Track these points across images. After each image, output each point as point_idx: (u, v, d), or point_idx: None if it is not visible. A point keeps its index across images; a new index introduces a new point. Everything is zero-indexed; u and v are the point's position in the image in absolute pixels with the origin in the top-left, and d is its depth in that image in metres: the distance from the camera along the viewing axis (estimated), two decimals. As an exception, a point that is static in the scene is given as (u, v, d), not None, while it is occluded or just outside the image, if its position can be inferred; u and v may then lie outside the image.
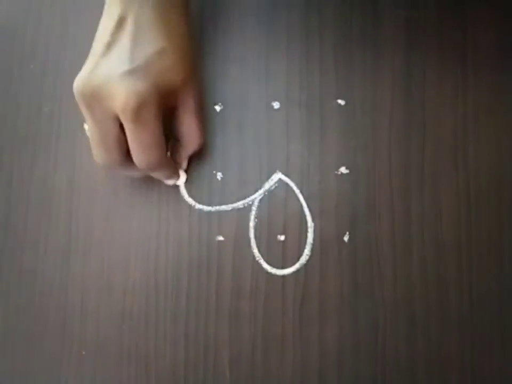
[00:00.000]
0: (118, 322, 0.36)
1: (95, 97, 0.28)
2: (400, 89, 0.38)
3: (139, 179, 0.37)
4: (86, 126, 0.34)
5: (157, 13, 0.31)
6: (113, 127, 0.29)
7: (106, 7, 0.32)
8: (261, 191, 0.37)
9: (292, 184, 0.37)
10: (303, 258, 0.36)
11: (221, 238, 0.36)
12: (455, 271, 0.36)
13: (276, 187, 0.37)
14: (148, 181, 0.37)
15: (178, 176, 0.36)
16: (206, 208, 0.37)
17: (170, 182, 0.36)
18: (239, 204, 0.37)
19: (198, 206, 0.37)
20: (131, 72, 0.29)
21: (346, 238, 0.36)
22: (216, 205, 0.37)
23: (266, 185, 0.37)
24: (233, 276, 0.36)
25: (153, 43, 0.30)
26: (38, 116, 0.38)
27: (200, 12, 0.39)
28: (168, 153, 0.36)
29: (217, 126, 0.38)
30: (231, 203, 0.37)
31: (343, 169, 0.37)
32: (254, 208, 0.37)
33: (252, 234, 0.36)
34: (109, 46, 0.29)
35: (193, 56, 0.33)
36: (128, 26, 0.30)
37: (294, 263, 0.36)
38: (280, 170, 0.37)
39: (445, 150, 0.37)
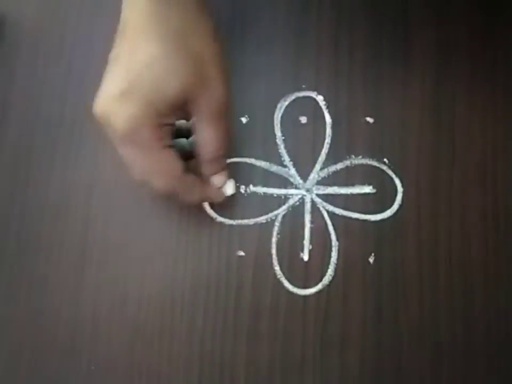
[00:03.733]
0: (130, 338, 0.34)
1: (103, 122, 0.27)
2: (430, 109, 0.37)
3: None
4: None
5: (152, 8, 0.26)
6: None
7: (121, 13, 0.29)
8: (284, 207, 0.36)
9: (317, 200, 0.36)
10: (326, 279, 0.35)
11: (241, 254, 0.35)
12: (482, 297, 0.35)
13: (300, 203, 0.36)
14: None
15: (215, 193, 0.33)
16: (228, 221, 0.36)
17: (216, 199, 0.33)
18: (262, 219, 0.36)
19: (220, 219, 0.36)
20: (123, 94, 0.26)
21: (371, 260, 0.35)
22: (238, 219, 0.36)
23: (291, 201, 0.36)
24: (252, 294, 0.34)
25: (145, 50, 0.26)
26: (60, 119, 0.37)
27: (229, 24, 0.38)
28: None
29: (243, 138, 0.37)
30: (254, 217, 0.36)
31: (369, 189, 0.36)
32: (277, 223, 0.36)
33: (274, 251, 0.35)
34: (115, 59, 0.27)
35: (206, 54, 0.28)
36: (127, 33, 0.27)
37: (316, 283, 0.35)
38: (305, 187, 0.36)
39: (473, 172, 0.36)
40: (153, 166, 0.28)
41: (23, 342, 0.34)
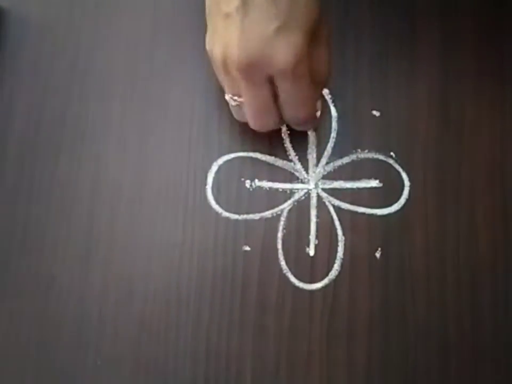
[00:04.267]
0: (136, 333, 0.34)
1: (254, 63, 0.27)
2: (437, 103, 0.37)
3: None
4: (228, 97, 0.31)
5: None
6: (271, 89, 0.29)
7: None
8: (290, 201, 0.36)
9: (323, 195, 0.36)
10: (333, 273, 0.34)
11: (247, 248, 0.35)
12: (490, 294, 0.34)
13: (305, 197, 0.36)
14: (174, 186, 0.36)
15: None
16: (233, 216, 0.35)
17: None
18: (267, 214, 0.35)
19: (225, 213, 0.35)
20: (283, 27, 0.26)
21: (378, 254, 0.35)
22: (243, 214, 0.35)
23: (296, 196, 0.36)
24: (258, 289, 0.34)
25: None
26: (64, 116, 0.37)
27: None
28: None
29: (248, 133, 0.36)
30: (259, 212, 0.35)
31: (376, 183, 0.36)
32: (283, 218, 0.35)
33: (279, 246, 0.35)
34: (244, 5, 0.26)
35: None
36: None
37: (322, 278, 0.34)
38: (311, 181, 0.36)
39: (482, 168, 0.36)
40: (310, 95, 0.30)
41: (30, 337, 0.34)
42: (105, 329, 0.34)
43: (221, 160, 0.36)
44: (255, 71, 0.27)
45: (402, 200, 0.35)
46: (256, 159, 0.36)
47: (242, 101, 0.30)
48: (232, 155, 0.36)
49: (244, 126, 0.34)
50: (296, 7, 0.27)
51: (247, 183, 0.36)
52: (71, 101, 0.37)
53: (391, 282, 0.34)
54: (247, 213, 0.35)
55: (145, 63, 0.38)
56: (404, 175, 0.36)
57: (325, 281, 0.34)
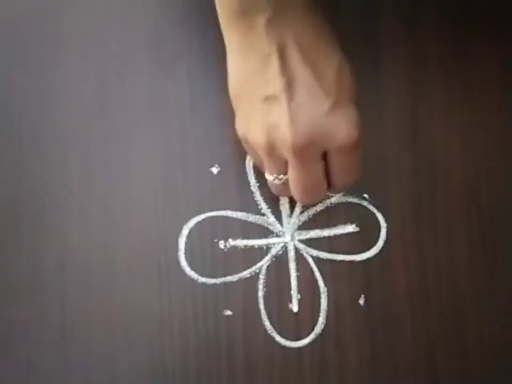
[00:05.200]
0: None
1: (311, 143, 0.26)
2: (407, 138, 0.36)
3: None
4: (271, 177, 0.30)
5: (309, 19, 0.27)
6: (322, 166, 0.29)
7: (235, 51, 0.28)
8: (267, 257, 0.34)
9: (300, 246, 0.35)
10: (318, 327, 0.34)
11: (229, 313, 0.34)
12: (475, 325, 0.34)
13: (283, 251, 0.35)
14: (145, 257, 0.34)
15: None
16: (210, 280, 0.34)
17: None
18: (246, 273, 0.34)
19: (201, 279, 0.34)
20: (336, 104, 0.26)
21: (362, 301, 0.34)
22: (221, 277, 0.34)
23: (273, 250, 0.35)
24: (245, 353, 0.33)
25: (329, 59, 0.27)
26: (19, 194, 0.35)
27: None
28: None
29: (216, 190, 0.35)
30: (237, 273, 0.34)
31: (352, 227, 0.35)
32: (262, 276, 0.34)
33: (261, 306, 0.34)
34: (289, 87, 0.26)
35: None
36: (293, 54, 0.26)
37: (309, 333, 0.34)
38: (286, 233, 0.35)
39: (457, 198, 0.35)
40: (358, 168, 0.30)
41: None
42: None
43: (191, 223, 0.34)
44: (312, 150, 0.27)
45: (380, 243, 0.35)
46: (227, 217, 0.35)
47: (287, 178, 0.30)
48: (203, 216, 0.35)
49: (212, 184, 0.33)
50: (342, 81, 0.27)
51: (221, 244, 0.34)
52: (24, 176, 0.35)
53: (377, 327, 0.34)
54: (224, 275, 0.34)
55: (98, 128, 0.36)
56: (380, 216, 0.35)
57: (311, 336, 0.34)
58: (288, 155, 0.27)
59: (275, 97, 0.26)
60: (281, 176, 0.30)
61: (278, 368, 0.33)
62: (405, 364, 0.34)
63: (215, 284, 0.34)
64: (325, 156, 0.28)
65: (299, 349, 0.34)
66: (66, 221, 0.34)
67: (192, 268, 0.34)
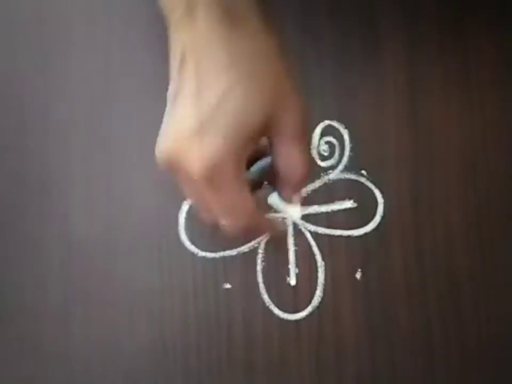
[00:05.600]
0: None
1: (173, 166, 0.24)
2: (405, 115, 0.36)
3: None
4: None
5: (216, 33, 0.23)
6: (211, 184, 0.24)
7: (171, 43, 0.25)
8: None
9: (298, 221, 0.35)
10: (315, 300, 0.34)
11: (228, 286, 0.34)
12: (471, 301, 0.35)
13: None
14: (147, 232, 0.35)
15: (278, 224, 0.31)
16: (210, 254, 0.35)
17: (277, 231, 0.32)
18: (245, 248, 0.35)
19: (201, 253, 0.35)
20: (198, 131, 0.23)
21: (358, 275, 0.35)
22: (220, 251, 0.35)
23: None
24: (244, 325, 0.34)
25: (217, 82, 0.23)
26: (25, 175, 0.35)
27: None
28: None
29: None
30: (236, 247, 0.35)
31: (350, 203, 0.35)
32: (260, 250, 0.35)
33: (260, 279, 0.35)
34: (175, 98, 0.24)
35: (279, 72, 0.25)
36: (189, 66, 0.24)
37: (306, 306, 0.34)
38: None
39: (454, 177, 0.36)
40: (233, 206, 0.25)
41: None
42: (94, 388, 0.33)
43: (190, 198, 0.35)
44: (176, 172, 0.24)
45: (377, 218, 0.35)
46: (227, 192, 0.35)
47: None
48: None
49: None
50: (218, 107, 0.23)
51: (220, 219, 0.35)
52: (28, 158, 0.35)
53: (374, 301, 0.35)
54: (224, 250, 0.35)
55: (101, 105, 0.36)
56: (377, 192, 0.35)
57: (309, 309, 0.34)
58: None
59: (168, 98, 0.25)
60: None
61: (276, 341, 0.34)
62: (401, 336, 0.34)
63: (214, 258, 0.35)
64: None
65: (297, 321, 0.34)
66: (70, 198, 0.35)
67: (192, 243, 0.35)
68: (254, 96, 0.24)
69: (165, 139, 0.24)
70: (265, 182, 0.29)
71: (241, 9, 0.24)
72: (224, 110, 0.23)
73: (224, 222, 0.26)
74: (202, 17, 0.23)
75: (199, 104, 0.23)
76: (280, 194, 0.28)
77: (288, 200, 0.28)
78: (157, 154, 0.24)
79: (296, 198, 0.29)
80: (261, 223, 0.28)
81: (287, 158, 0.26)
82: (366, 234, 0.35)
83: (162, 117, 0.34)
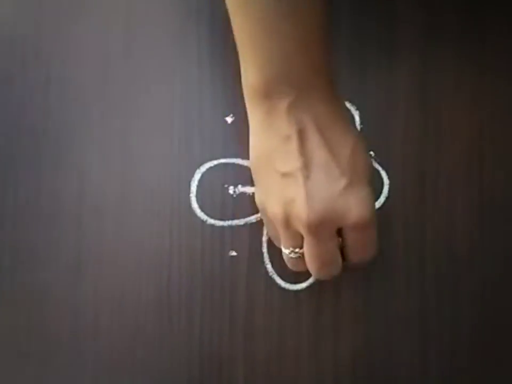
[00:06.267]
0: (131, 342, 0.35)
1: (325, 221, 0.28)
2: (415, 98, 0.37)
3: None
4: (287, 251, 0.31)
5: (327, 103, 0.28)
6: (336, 242, 0.29)
7: (257, 128, 0.29)
8: (273, 205, 0.36)
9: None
10: (317, 273, 0.36)
11: (233, 253, 0.36)
12: (469, 287, 0.36)
13: (288, 200, 0.36)
14: (159, 196, 0.36)
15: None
16: (218, 222, 0.36)
17: None
18: (252, 218, 0.36)
19: (210, 220, 0.36)
20: (351, 184, 0.28)
21: (360, 253, 0.36)
22: (228, 220, 0.36)
23: (279, 199, 0.36)
24: (246, 292, 0.36)
25: (345, 140, 0.28)
26: (44, 128, 0.37)
27: (211, 21, 0.37)
28: None
29: (229, 138, 0.37)
30: (244, 217, 0.36)
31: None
32: (267, 222, 0.36)
33: (265, 249, 0.36)
34: (306, 166, 0.28)
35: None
36: (312, 135, 0.28)
37: (307, 278, 0.36)
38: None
39: (460, 163, 0.37)
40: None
41: (27, 350, 0.35)
42: (101, 342, 0.35)
43: (203, 168, 0.36)
44: (326, 227, 0.28)
45: (382, 199, 0.36)
46: (238, 164, 0.37)
47: (303, 252, 0.30)
48: (215, 162, 0.37)
49: (226, 133, 0.35)
50: (357, 161, 0.28)
51: (231, 189, 0.36)
52: (48, 114, 0.37)
53: (374, 278, 0.36)
54: (232, 219, 0.36)
55: (121, 71, 0.38)
56: (383, 173, 0.37)
57: (310, 280, 0.36)
58: (303, 230, 0.28)
59: (293, 174, 0.28)
60: (297, 250, 0.30)
61: (276, 308, 0.36)
62: (398, 313, 0.36)
63: (222, 226, 0.36)
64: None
65: (297, 291, 0.36)
66: (86, 155, 0.37)
67: (202, 210, 0.36)
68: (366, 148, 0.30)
69: (313, 201, 0.27)
70: None
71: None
72: (358, 163, 0.28)
73: (369, 255, 0.31)
74: (320, 98, 0.28)
75: (338, 166, 0.28)
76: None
77: None
78: (305, 215, 0.27)
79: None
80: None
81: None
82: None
83: (182, 84, 0.36)
